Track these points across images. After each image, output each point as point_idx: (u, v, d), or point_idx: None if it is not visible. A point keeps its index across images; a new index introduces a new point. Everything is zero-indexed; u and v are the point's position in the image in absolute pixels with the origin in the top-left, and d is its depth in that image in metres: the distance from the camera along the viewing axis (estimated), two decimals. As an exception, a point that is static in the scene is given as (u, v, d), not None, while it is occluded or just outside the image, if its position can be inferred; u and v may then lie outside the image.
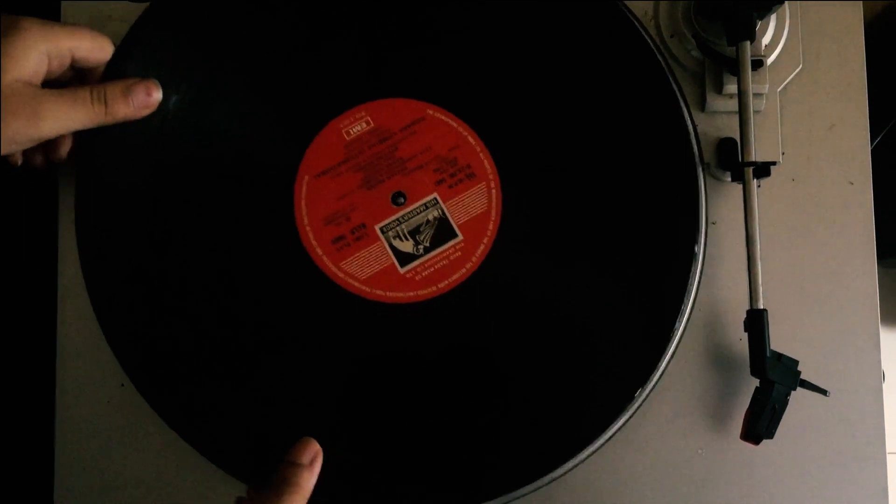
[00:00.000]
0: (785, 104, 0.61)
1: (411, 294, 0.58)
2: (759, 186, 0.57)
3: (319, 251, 0.58)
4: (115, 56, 0.57)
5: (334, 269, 0.58)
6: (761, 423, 0.56)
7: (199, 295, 0.58)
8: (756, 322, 0.56)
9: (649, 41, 0.60)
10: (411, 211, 0.59)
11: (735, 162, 0.59)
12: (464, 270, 0.58)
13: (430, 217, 0.58)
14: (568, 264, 0.58)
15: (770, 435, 0.56)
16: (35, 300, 0.64)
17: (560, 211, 0.59)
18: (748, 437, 0.56)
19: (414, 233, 0.58)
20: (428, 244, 0.58)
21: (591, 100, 0.59)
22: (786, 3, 0.58)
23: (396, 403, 0.57)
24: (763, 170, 0.58)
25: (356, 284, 0.58)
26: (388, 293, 0.58)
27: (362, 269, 0.58)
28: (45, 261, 0.61)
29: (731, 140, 0.59)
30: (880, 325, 0.60)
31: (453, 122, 0.59)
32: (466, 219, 0.59)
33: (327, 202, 0.59)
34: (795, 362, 0.57)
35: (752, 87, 0.58)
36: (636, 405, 0.58)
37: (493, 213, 0.58)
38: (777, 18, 0.59)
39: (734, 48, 0.57)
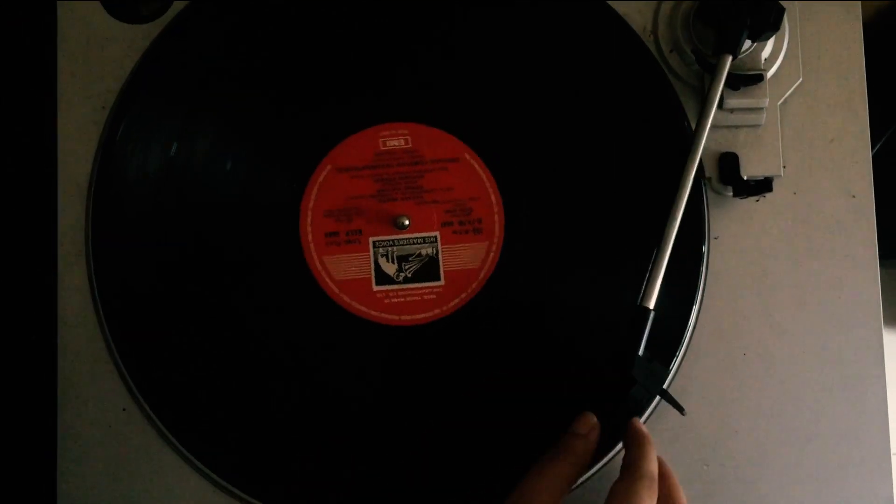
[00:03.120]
0: (785, 118, 0.61)
1: (374, 313, 0.58)
2: (758, 201, 0.58)
3: (310, 237, 0.58)
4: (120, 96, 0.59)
5: (316, 260, 0.58)
6: (614, 417, 0.55)
7: (201, 284, 0.58)
8: (640, 319, 0.54)
9: (658, 61, 0.60)
10: (409, 239, 0.59)
11: (736, 177, 0.59)
12: (431, 314, 0.58)
13: (423, 252, 0.59)
14: (568, 278, 0.58)
15: (609, 432, 0.55)
16: (36, 327, 0.63)
17: (560, 227, 0.59)
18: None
19: (402, 259, 0.59)
20: (409, 275, 0.58)
21: (601, 129, 0.60)
22: (785, 17, 0.58)
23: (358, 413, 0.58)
24: (765, 184, 0.58)
25: (329, 282, 0.58)
26: (353, 302, 0.58)
27: (340, 271, 0.58)
28: (45, 287, 0.60)
29: (733, 155, 0.59)
30: (884, 326, 0.60)
31: (483, 175, 0.59)
32: (455, 269, 0.59)
33: (337, 197, 0.59)
34: (666, 372, 0.56)
35: (749, 102, 0.59)
36: (641, 421, 0.58)
37: (483, 273, 0.59)
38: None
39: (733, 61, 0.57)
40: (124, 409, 0.59)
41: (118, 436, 0.59)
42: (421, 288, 0.59)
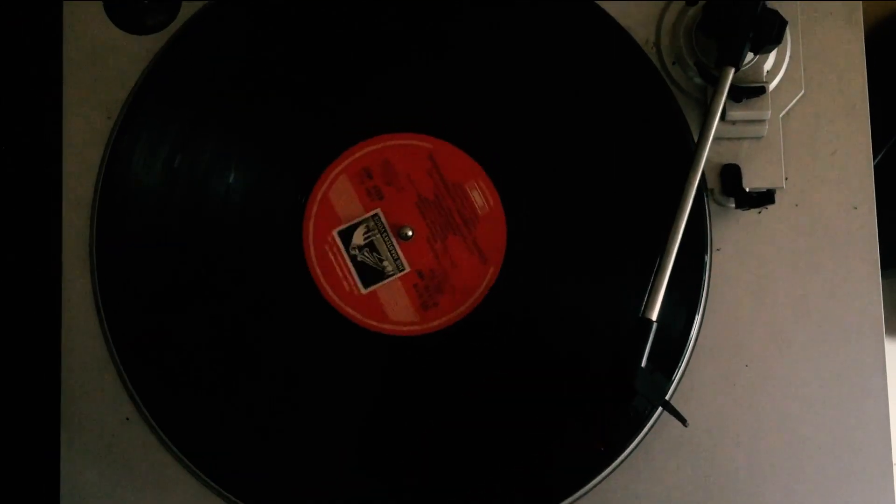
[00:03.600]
0: (787, 129, 0.61)
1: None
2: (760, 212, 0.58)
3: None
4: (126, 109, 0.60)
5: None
6: (617, 429, 0.55)
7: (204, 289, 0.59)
8: (642, 330, 0.54)
9: (661, 72, 0.60)
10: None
11: (739, 188, 0.59)
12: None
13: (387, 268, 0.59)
14: (570, 289, 0.58)
15: (612, 444, 0.56)
16: (40, 335, 0.64)
17: (563, 237, 0.59)
18: (601, 440, 0.55)
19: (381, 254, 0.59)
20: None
21: (604, 141, 0.60)
22: (787, 29, 0.58)
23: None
24: (767, 196, 0.58)
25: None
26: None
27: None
28: (49, 296, 0.61)
29: (735, 167, 0.59)
30: (886, 337, 0.60)
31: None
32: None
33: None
34: (668, 383, 0.56)
35: (752, 114, 0.59)
36: (643, 433, 0.58)
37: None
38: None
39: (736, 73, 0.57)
40: (127, 419, 0.59)
41: (121, 445, 0.59)
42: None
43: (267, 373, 0.58)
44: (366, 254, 0.59)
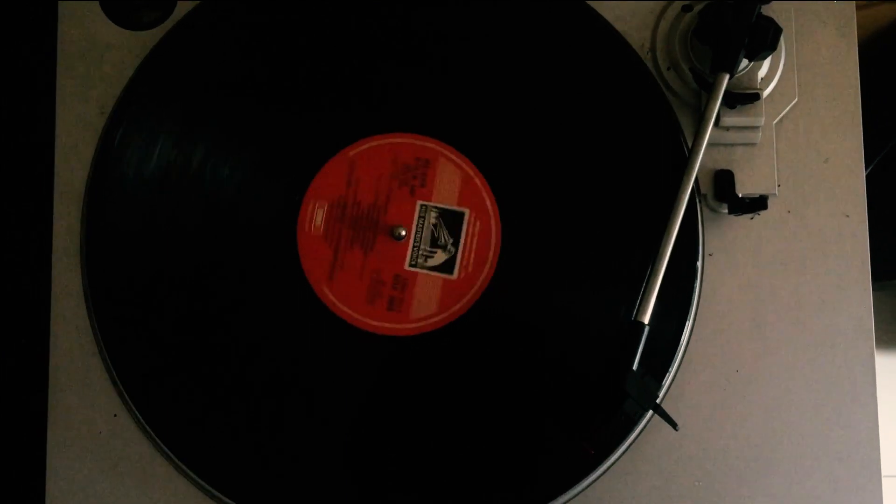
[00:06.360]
0: (780, 136, 0.61)
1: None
2: (752, 218, 0.58)
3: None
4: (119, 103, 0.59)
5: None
6: (606, 430, 0.54)
7: (199, 299, 0.58)
8: (634, 334, 0.54)
9: (656, 78, 0.61)
10: (416, 232, 0.59)
11: (732, 194, 0.59)
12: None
13: (433, 219, 0.58)
14: (564, 292, 0.58)
15: (602, 447, 0.55)
16: (28, 330, 0.63)
17: (558, 241, 0.59)
18: (591, 443, 0.54)
19: (434, 241, 0.58)
20: (451, 238, 0.58)
21: (598, 145, 0.60)
22: (781, 37, 0.58)
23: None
24: (760, 202, 0.59)
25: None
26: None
27: (422, 305, 0.58)
28: (38, 291, 0.60)
29: (728, 172, 0.60)
30: (876, 347, 0.60)
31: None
32: (455, 195, 0.59)
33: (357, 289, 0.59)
34: (658, 387, 0.56)
35: (745, 120, 0.59)
36: (633, 437, 0.58)
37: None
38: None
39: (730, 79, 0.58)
40: (115, 416, 0.59)
41: (109, 442, 0.58)
42: (465, 232, 0.59)
43: (256, 369, 0.58)
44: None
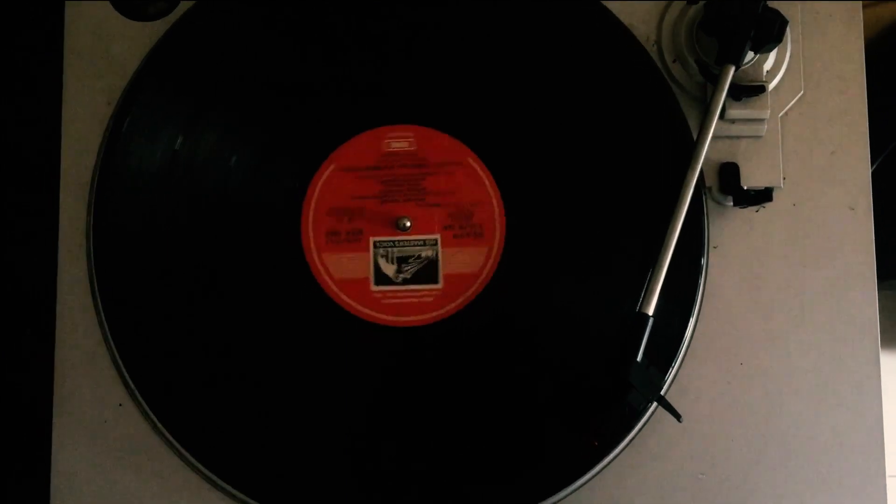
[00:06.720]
0: (786, 129, 0.61)
1: (372, 313, 0.58)
2: (757, 211, 0.58)
3: (311, 235, 0.59)
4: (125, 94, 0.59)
5: (316, 258, 0.58)
6: (610, 422, 0.55)
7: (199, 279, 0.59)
8: (639, 325, 0.54)
9: (661, 70, 0.61)
10: (409, 241, 0.59)
11: (737, 186, 0.59)
12: (428, 316, 0.58)
13: (423, 254, 0.59)
14: (569, 285, 0.58)
15: (605, 439, 0.55)
16: (34, 320, 0.63)
17: (562, 232, 0.59)
18: (595, 435, 0.55)
19: (401, 261, 0.59)
20: (408, 277, 0.59)
21: (603, 138, 0.60)
22: (787, 29, 0.58)
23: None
24: (765, 194, 0.59)
25: (328, 280, 0.58)
26: (351, 301, 0.58)
27: (340, 270, 0.59)
28: (45, 280, 0.60)
29: (733, 165, 0.60)
30: (880, 347, 0.60)
31: (486, 180, 0.59)
32: (455, 272, 0.59)
33: (340, 196, 0.59)
34: (663, 378, 0.56)
35: (751, 113, 0.59)
36: (637, 428, 0.58)
37: (482, 278, 0.59)
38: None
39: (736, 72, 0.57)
40: (120, 405, 0.59)
41: (113, 431, 0.59)
42: (419, 290, 0.59)
43: (261, 360, 0.58)
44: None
